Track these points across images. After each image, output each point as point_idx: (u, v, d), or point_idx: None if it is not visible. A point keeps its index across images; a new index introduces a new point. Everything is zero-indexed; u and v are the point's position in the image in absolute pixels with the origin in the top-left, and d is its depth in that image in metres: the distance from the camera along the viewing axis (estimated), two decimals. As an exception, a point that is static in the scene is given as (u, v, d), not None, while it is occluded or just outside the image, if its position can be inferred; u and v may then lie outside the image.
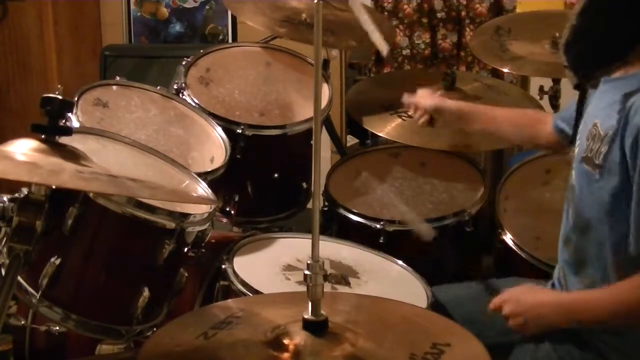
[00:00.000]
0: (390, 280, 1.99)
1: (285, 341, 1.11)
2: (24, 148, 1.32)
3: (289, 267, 1.93)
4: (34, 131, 1.39)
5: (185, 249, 1.78)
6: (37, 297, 1.64)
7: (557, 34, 2.30)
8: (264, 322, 1.18)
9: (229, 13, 3.71)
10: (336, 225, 2.39)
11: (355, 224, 2.32)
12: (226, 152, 2.20)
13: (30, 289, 1.65)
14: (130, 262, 1.72)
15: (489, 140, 2.44)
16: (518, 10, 3.43)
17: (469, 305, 1.88)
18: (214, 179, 2.07)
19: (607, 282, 1.60)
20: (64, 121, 1.45)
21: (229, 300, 1.69)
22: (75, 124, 1.97)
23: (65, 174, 1.26)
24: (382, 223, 2.26)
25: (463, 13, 3.55)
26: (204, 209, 1.78)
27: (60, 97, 1.43)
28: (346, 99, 3.01)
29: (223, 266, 1.87)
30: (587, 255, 1.64)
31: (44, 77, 3.64)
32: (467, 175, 2.53)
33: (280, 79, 2.62)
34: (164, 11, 3.85)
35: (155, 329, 1.74)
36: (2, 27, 3.64)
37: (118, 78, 2.29)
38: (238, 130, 2.30)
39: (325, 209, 2.42)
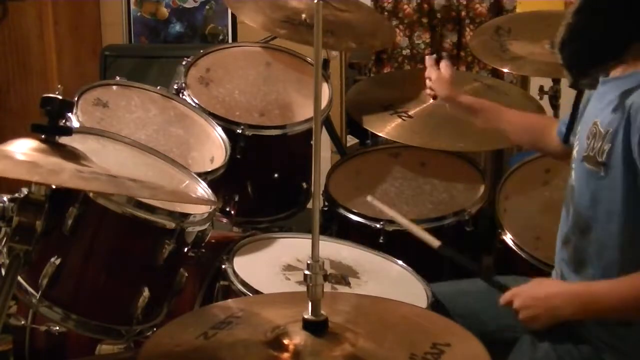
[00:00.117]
0: (390, 280, 1.99)
1: (285, 341, 1.11)
2: (24, 148, 1.32)
3: (289, 267, 1.93)
4: (34, 131, 1.39)
5: (185, 249, 1.78)
6: (37, 297, 1.64)
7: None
8: (264, 322, 1.17)
9: (229, 13, 3.71)
10: (336, 225, 2.39)
11: (355, 224, 2.32)
12: (226, 152, 2.20)
13: (30, 289, 1.65)
14: (130, 262, 1.72)
15: (489, 140, 2.44)
16: (518, 10, 3.43)
17: (469, 299, 1.88)
18: (214, 179, 2.07)
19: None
20: (64, 121, 1.45)
21: (229, 300, 1.69)
22: (75, 124, 1.97)
23: (65, 174, 1.25)
24: (382, 223, 2.26)
25: (463, 13, 3.55)
26: (204, 209, 1.78)
27: (60, 97, 1.43)
28: (346, 99, 3.01)
29: (223, 266, 1.87)
30: (586, 255, 1.64)
31: (44, 77, 3.64)
32: (467, 175, 2.53)
33: (280, 79, 2.62)
34: (164, 11, 3.85)
35: (155, 329, 1.74)
36: (2, 27, 3.64)
37: (118, 78, 2.29)
38: (238, 130, 2.30)
39: (325, 209, 2.42)
